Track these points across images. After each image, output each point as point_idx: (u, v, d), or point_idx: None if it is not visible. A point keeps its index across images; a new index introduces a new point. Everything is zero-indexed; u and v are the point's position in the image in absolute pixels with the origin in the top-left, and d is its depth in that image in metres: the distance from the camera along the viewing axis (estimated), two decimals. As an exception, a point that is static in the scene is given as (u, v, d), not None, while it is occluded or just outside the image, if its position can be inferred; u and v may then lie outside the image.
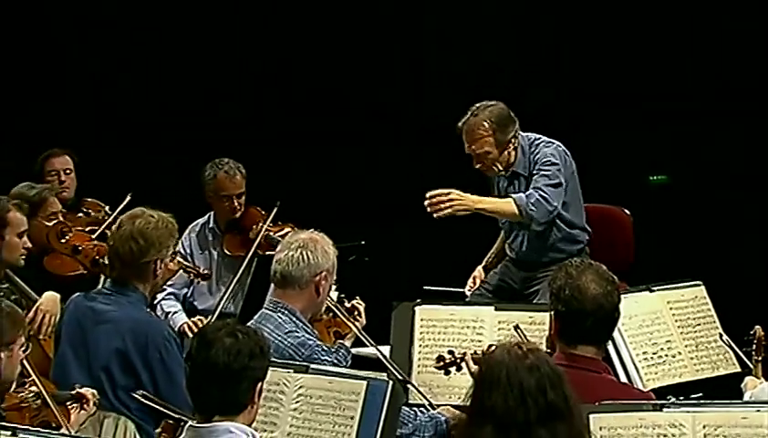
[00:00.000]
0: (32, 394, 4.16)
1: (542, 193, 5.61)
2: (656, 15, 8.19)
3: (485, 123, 5.67)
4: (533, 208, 5.58)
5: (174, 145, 8.20)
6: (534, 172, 5.68)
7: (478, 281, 5.98)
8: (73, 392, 4.29)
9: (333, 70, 8.60)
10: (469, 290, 5.96)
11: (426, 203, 5.54)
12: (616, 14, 8.22)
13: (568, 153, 5.79)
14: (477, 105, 5.73)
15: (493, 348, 3.24)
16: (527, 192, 5.63)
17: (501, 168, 5.73)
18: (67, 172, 6.92)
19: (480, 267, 6.06)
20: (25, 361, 4.10)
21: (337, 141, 8.33)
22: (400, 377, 4.54)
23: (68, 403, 4.27)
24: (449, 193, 5.50)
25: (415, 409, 4.51)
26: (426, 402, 4.61)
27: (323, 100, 8.56)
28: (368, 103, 8.54)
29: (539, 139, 5.79)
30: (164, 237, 4.73)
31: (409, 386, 4.65)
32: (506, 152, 5.71)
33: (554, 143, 5.77)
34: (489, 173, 5.79)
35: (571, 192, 5.77)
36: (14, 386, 4.13)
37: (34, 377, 4.18)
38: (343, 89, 8.57)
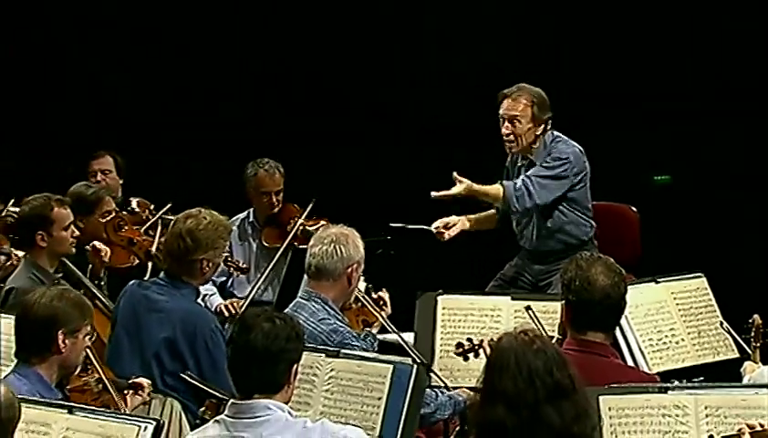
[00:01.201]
0: (94, 379, 4.19)
1: (529, 185, 5.58)
2: (656, 15, 7.94)
3: (529, 95, 5.63)
4: (516, 195, 5.57)
5: (174, 145, 7.99)
6: (534, 171, 5.64)
7: (452, 226, 5.77)
8: (130, 382, 4.33)
9: (333, 70, 8.33)
10: (435, 228, 5.78)
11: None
12: (616, 14, 7.97)
13: (584, 153, 5.75)
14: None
15: (502, 335, 3.26)
16: (517, 181, 5.61)
17: (522, 145, 5.64)
18: (106, 172, 6.91)
19: (461, 218, 5.84)
20: (88, 350, 4.13)
21: (337, 141, 8.08)
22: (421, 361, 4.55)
23: (126, 390, 4.31)
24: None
25: (436, 390, 4.52)
26: (442, 385, 4.61)
27: (323, 100, 8.30)
28: (368, 103, 8.26)
29: (560, 137, 5.72)
30: (212, 239, 4.73)
31: (427, 368, 4.65)
32: (533, 132, 5.63)
33: (571, 143, 5.72)
34: (510, 146, 5.69)
35: (581, 187, 5.73)
36: (77, 370, 4.17)
37: (96, 364, 4.20)
38: (343, 89, 8.30)
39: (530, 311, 4.49)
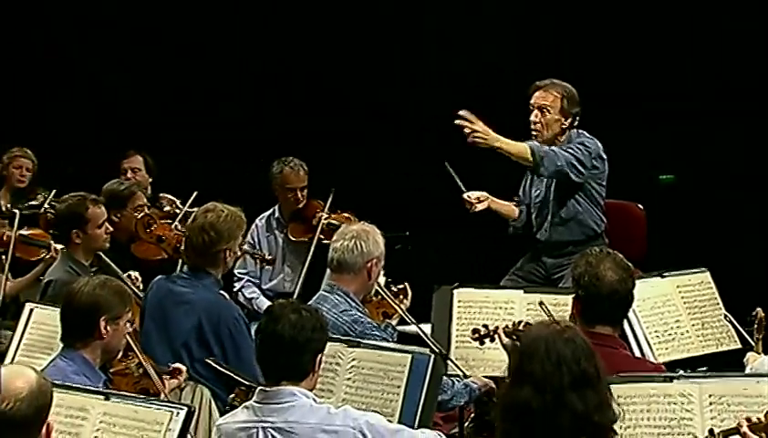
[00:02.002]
0: (134, 364, 4.21)
1: (558, 151, 5.51)
2: (656, 15, 7.78)
3: (561, 88, 5.61)
4: (542, 155, 5.48)
5: (174, 145, 7.84)
6: (566, 147, 5.57)
7: (482, 201, 5.70)
8: (170, 368, 4.36)
9: (333, 70, 8.17)
10: (467, 196, 5.69)
11: (457, 121, 5.40)
12: (616, 14, 7.80)
13: (603, 151, 5.70)
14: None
15: (533, 323, 3.27)
16: (546, 146, 5.53)
17: (547, 135, 5.60)
18: (136, 170, 6.97)
19: (489, 198, 5.76)
20: (128, 336, 4.15)
21: (337, 141, 7.90)
22: (437, 348, 4.54)
23: (164, 375, 4.34)
24: (474, 124, 5.39)
25: (453, 379, 4.52)
26: (461, 373, 4.61)
27: (323, 100, 8.14)
28: (368, 103, 8.07)
29: (584, 133, 5.69)
30: (232, 229, 4.78)
31: (443, 357, 4.65)
32: (560, 124, 5.60)
33: (596, 141, 5.67)
34: (536, 134, 5.63)
35: (597, 182, 5.69)
36: (119, 355, 4.19)
37: (136, 350, 4.21)
38: (343, 89, 8.12)
39: (543, 306, 4.49)
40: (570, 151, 5.56)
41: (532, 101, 5.64)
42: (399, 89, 8.18)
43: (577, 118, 5.66)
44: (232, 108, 8.29)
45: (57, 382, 3.33)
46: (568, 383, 3.00)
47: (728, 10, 7.70)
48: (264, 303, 6.26)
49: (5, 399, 2.95)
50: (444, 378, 4.40)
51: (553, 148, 5.55)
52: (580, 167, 5.56)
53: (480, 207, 5.69)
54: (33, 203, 6.43)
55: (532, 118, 5.64)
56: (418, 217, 6.85)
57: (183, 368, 4.37)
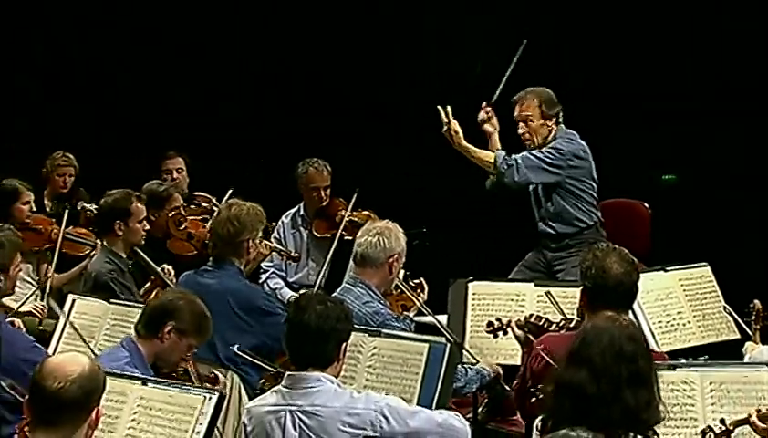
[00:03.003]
0: (181, 370, 4.14)
1: (520, 163, 5.56)
2: (656, 15, 7.62)
3: (535, 95, 5.64)
4: (504, 167, 5.56)
5: (174, 145, 7.55)
6: (533, 153, 5.60)
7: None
8: (211, 375, 4.31)
9: (333, 70, 8.01)
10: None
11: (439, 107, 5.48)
12: (616, 15, 7.62)
13: (587, 151, 5.69)
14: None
15: (600, 317, 3.30)
16: (513, 156, 5.58)
17: (538, 141, 5.63)
18: (179, 170, 7.01)
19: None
20: (185, 360, 4.10)
21: (337, 141, 7.66)
22: (452, 338, 4.55)
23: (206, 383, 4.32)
24: (450, 121, 5.50)
25: (465, 367, 4.52)
26: (474, 360, 4.60)
27: (323, 100, 7.98)
28: (368, 103, 7.89)
29: (570, 134, 5.69)
30: (254, 222, 4.85)
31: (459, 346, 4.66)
32: (546, 127, 5.63)
33: (577, 142, 5.67)
34: (528, 145, 5.66)
35: (580, 182, 5.69)
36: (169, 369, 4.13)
37: (189, 365, 4.16)
38: (343, 89, 7.95)
39: (549, 295, 4.50)
40: (539, 157, 5.58)
41: (515, 116, 5.70)
42: (399, 89, 8.02)
43: (560, 115, 5.69)
44: (232, 107, 8.14)
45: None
46: (625, 379, 3.01)
47: (728, 10, 7.57)
48: (288, 293, 6.28)
49: (58, 379, 3.00)
50: (459, 366, 4.39)
51: (518, 159, 5.56)
52: (551, 169, 5.60)
53: (487, 127, 5.74)
54: (85, 205, 6.49)
55: (519, 131, 5.69)
56: (423, 216, 6.81)
57: (222, 379, 4.30)
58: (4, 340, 4.12)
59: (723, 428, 3.30)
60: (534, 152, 5.61)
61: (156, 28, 8.11)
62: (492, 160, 5.60)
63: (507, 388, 4.72)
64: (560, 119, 5.69)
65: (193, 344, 4.07)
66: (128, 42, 8.17)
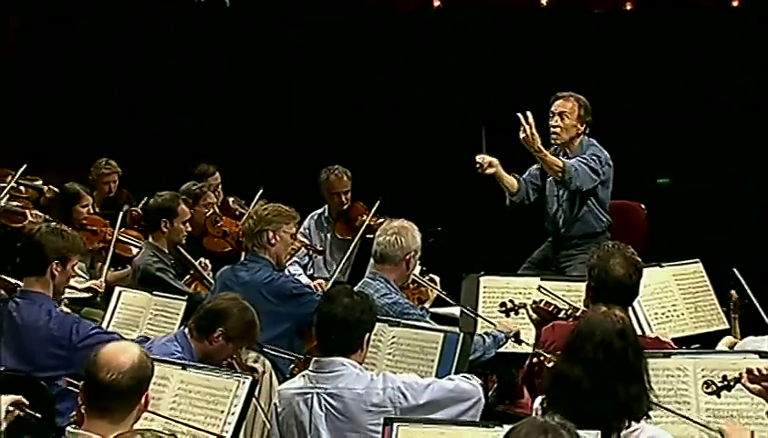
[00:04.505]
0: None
1: (583, 167, 5.53)
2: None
3: (578, 98, 5.62)
4: (573, 173, 5.49)
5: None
6: (583, 158, 5.58)
7: (493, 164, 5.63)
8: (250, 365, 4.29)
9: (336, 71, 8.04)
10: (480, 159, 5.61)
11: (519, 115, 5.41)
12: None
13: (610, 160, 5.72)
14: None
15: (595, 310, 3.31)
16: (572, 161, 5.54)
17: (564, 137, 5.62)
18: (218, 185, 7.01)
19: (498, 166, 5.68)
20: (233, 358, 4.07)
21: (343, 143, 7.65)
22: (471, 312, 4.64)
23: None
24: (530, 127, 5.39)
25: (483, 335, 4.49)
26: (491, 327, 4.58)
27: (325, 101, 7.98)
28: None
29: (594, 142, 5.69)
30: (272, 215, 4.91)
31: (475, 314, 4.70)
32: (576, 129, 5.61)
33: (604, 150, 5.69)
34: (555, 137, 5.64)
35: (605, 187, 5.69)
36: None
37: (235, 360, 4.13)
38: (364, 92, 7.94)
39: (541, 289, 4.50)
40: (589, 164, 5.57)
41: (552, 108, 5.66)
42: (415, 92, 7.98)
43: (589, 126, 5.67)
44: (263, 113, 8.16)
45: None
46: (617, 374, 3.02)
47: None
48: (305, 280, 6.30)
49: (110, 371, 3.01)
50: (476, 337, 4.39)
51: (577, 165, 5.54)
52: (595, 177, 5.59)
53: (489, 171, 5.67)
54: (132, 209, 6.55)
55: (552, 122, 5.65)
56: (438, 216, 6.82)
57: (260, 369, 4.28)
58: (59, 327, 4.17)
59: (724, 383, 3.35)
60: (581, 159, 5.56)
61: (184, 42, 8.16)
62: (562, 165, 5.52)
63: (515, 373, 4.74)
64: (588, 130, 5.67)
65: (239, 347, 4.06)
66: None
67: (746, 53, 8.06)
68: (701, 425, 3.39)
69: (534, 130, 5.43)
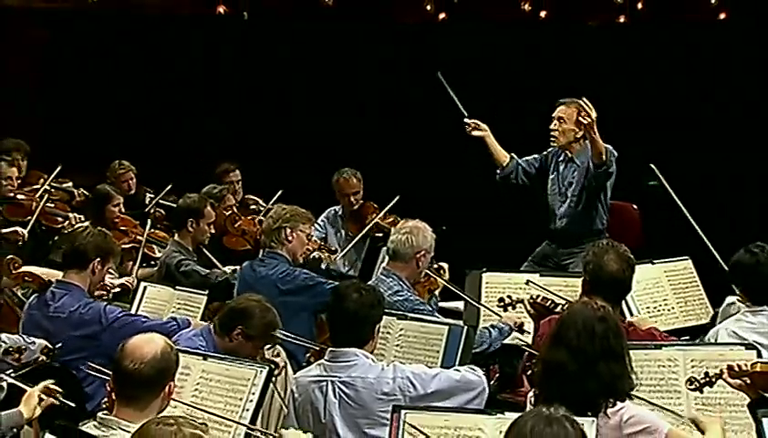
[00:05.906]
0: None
1: (612, 158, 5.47)
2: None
3: (577, 105, 5.48)
4: (611, 158, 5.42)
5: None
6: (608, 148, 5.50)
7: (479, 129, 5.63)
8: (269, 358, 4.23)
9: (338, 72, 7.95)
10: (468, 120, 5.63)
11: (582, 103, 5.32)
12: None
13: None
14: None
15: (576, 302, 3.35)
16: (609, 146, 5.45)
17: (561, 140, 5.59)
18: (239, 181, 7.02)
19: (488, 131, 5.65)
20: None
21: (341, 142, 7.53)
22: (476, 302, 4.65)
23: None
24: (592, 113, 5.27)
25: (489, 328, 4.47)
26: (496, 318, 4.57)
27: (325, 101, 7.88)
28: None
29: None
30: (287, 214, 4.95)
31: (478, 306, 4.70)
32: (574, 133, 5.57)
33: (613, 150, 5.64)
34: (553, 141, 5.63)
35: (610, 185, 5.65)
36: None
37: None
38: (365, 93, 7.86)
39: (529, 283, 4.51)
40: (614, 155, 5.51)
41: (554, 114, 5.65)
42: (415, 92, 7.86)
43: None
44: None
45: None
46: (599, 355, 3.06)
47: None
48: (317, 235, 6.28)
49: (134, 360, 3.03)
50: (483, 330, 4.39)
51: (614, 155, 5.46)
52: (612, 169, 5.52)
53: (476, 133, 5.63)
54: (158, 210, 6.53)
55: (551, 126, 5.65)
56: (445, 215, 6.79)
57: (282, 364, 4.24)
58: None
59: (706, 379, 3.35)
60: (610, 155, 5.47)
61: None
62: (604, 149, 5.40)
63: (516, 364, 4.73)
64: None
65: (260, 347, 4.05)
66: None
67: (746, 53, 7.98)
68: (674, 413, 3.41)
69: (593, 115, 5.28)
